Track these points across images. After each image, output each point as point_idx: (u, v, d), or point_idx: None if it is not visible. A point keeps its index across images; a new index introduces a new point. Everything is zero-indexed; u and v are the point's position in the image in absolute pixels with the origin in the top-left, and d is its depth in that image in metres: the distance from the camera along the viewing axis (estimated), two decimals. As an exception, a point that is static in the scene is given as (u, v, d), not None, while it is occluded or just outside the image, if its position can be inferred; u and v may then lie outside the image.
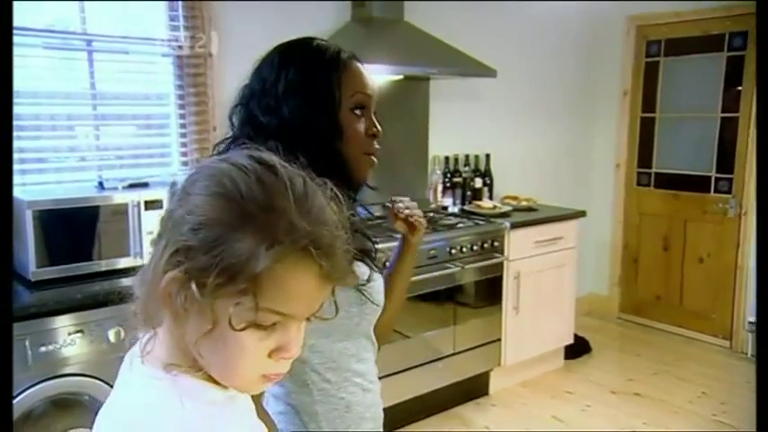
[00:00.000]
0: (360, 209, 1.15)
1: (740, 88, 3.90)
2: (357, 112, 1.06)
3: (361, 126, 1.06)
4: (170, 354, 0.65)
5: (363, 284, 1.04)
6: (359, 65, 1.08)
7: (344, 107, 1.04)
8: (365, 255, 1.06)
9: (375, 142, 1.09)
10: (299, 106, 1.01)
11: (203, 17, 2.70)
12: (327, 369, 1.04)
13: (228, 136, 1.07)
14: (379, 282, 1.10)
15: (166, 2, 2.67)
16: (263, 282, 0.59)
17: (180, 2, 2.67)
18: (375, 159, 1.10)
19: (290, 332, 0.63)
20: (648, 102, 4.32)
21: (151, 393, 0.63)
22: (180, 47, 2.70)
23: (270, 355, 0.63)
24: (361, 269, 1.04)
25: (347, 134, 1.04)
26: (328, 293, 0.65)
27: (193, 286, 0.59)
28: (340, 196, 0.67)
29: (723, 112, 3.99)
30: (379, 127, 1.08)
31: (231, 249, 0.58)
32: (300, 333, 0.65)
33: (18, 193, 2.17)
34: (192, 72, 2.74)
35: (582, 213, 3.68)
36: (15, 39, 2.34)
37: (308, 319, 0.65)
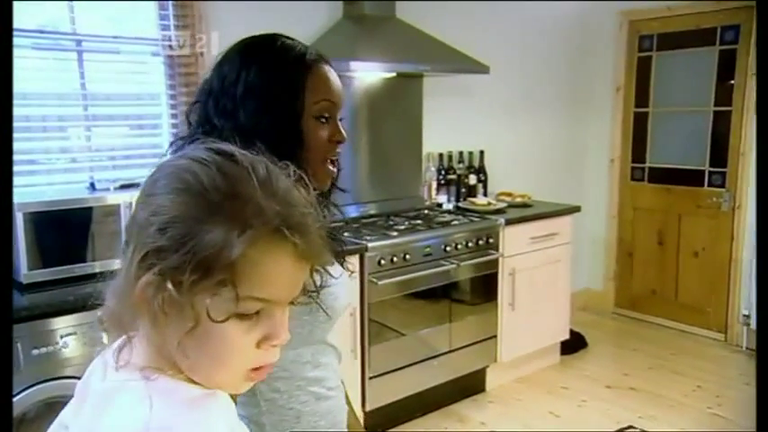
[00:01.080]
0: (334, 211, 1.07)
1: (733, 82, 3.90)
2: (322, 120, 0.99)
3: (324, 133, 0.99)
4: (148, 359, 0.63)
5: (314, 291, 0.97)
6: (326, 67, 1.01)
7: (307, 114, 0.97)
8: (337, 256, 1.02)
9: (338, 149, 1.03)
10: (257, 112, 0.94)
11: (194, 16, 2.69)
12: (277, 378, 0.99)
13: (183, 135, 1.01)
14: (337, 287, 0.99)
15: (157, 1, 2.65)
16: (239, 269, 0.58)
17: (171, 1, 2.66)
18: (334, 169, 1.04)
19: (276, 318, 0.62)
20: (641, 97, 4.33)
21: (122, 397, 0.61)
22: (171, 46, 2.68)
23: (258, 345, 0.62)
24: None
25: (308, 142, 0.97)
26: (306, 274, 0.65)
27: (169, 285, 0.58)
28: (304, 177, 0.66)
29: (716, 105, 4.00)
30: (344, 133, 1.02)
31: (202, 243, 0.57)
32: (285, 318, 0.64)
33: (9, 195, 2.16)
34: (184, 72, 2.72)
35: (576, 209, 3.69)
36: (4, 39, 2.31)
37: (291, 303, 0.65)
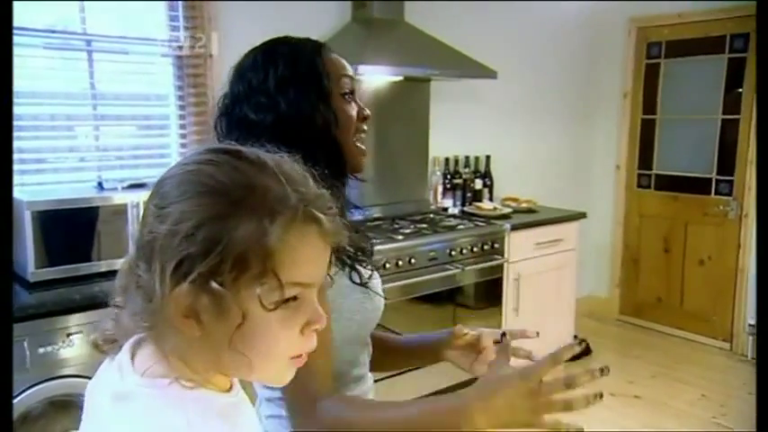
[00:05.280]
0: (354, 210, 1.13)
1: (741, 90, 3.89)
2: (347, 96, 1.06)
3: (353, 110, 1.07)
4: (170, 365, 0.63)
5: (365, 283, 1.02)
6: (334, 53, 1.08)
7: (335, 93, 1.04)
8: (363, 254, 1.05)
9: (364, 126, 1.09)
10: (296, 98, 1.00)
11: (203, 17, 2.70)
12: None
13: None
14: (377, 280, 1.08)
15: (166, 2, 2.67)
16: (278, 256, 0.59)
17: (180, 2, 2.67)
18: (363, 146, 1.10)
19: (314, 301, 0.64)
20: (649, 103, 4.32)
21: (150, 401, 0.61)
22: (180, 47, 2.70)
23: (302, 331, 0.63)
24: (360, 271, 1.03)
25: (341, 120, 1.04)
26: (329, 255, 0.66)
27: (213, 284, 0.58)
28: (306, 167, 0.67)
29: (724, 113, 3.99)
30: (367, 110, 1.09)
31: (236, 238, 0.58)
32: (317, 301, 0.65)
33: (17, 193, 2.17)
34: (192, 72, 2.73)
35: (582, 215, 3.68)
36: (15, 39, 2.33)
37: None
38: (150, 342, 0.64)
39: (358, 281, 1.01)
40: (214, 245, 0.58)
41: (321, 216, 0.62)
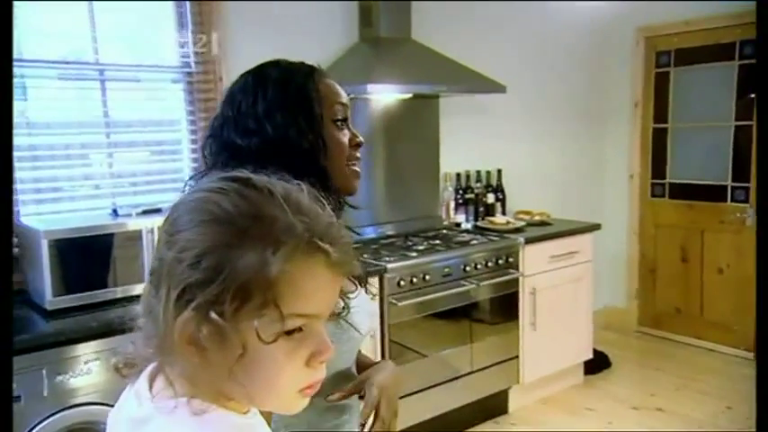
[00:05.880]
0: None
1: (753, 96, 3.87)
2: (338, 123, 1.04)
3: (344, 137, 1.05)
4: (185, 389, 0.63)
5: (339, 313, 0.86)
6: (330, 79, 1.07)
7: (326, 120, 1.02)
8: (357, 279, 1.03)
9: (357, 152, 1.07)
10: (284, 123, 0.99)
11: (212, 44, 2.74)
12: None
13: (201, 170, 1.04)
14: (358, 314, 0.92)
15: (176, 29, 2.71)
16: (280, 288, 0.58)
17: (189, 29, 2.71)
18: (358, 169, 1.08)
19: (321, 333, 0.63)
20: (660, 112, 4.30)
21: (167, 424, 0.62)
22: (190, 73, 2.73)
23: (307, 363, 0.63)
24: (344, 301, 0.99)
25: (332, 147, 1.02)
26: (341, 285, 0.65)
27: (213, 315, 0.58)
28: (317, 195, 0.67)
29: (737, 120, 3.96)
30: (361, 137, 1.07)
31: (238, 268, 0.58)
32: (326, 332, 0.64)
33: (34, 222, 2.20)
34: (203, 97, 2.77)
35: (597, 226, 3.65)
36: (30, 71, 2.38)
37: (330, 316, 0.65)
38: (163, 366, 0.64)
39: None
40: (216, 274, 0.58)
41: (327, 246, 0.61)
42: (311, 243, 0.60)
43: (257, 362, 0.60)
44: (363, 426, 1.06)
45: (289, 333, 0.60)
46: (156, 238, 2.23)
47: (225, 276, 0.58)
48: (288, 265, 0.59)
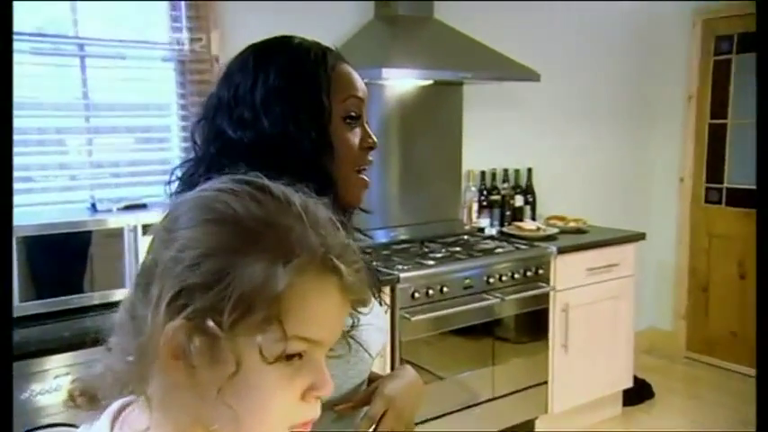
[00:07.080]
0: (357, 234, 1.05)
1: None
2: (349, 121, 1.00)
3: (355, 138, 1.01)
4: (163, 425, 0.62)
5: (349, 330, 0.79)
6: (348, 65, 1.03)
7: (336, 116, 0.98)
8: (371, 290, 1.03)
9: (369, 156, 1.04)
10: (283, 116, 0.95)
11: (209, 17, 2.74)
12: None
13: (189, 158, 1.02)
14: (368, 331, 0.87)
15: (167, 1, 2.72)
16: (285, 304, 0.58)
17: (182, 1, 2.72)
18: (368, 179, 1.04)
19: (321, 364, 0.63)
20: (718, 106, 4.27)
21: None
22: (182, 50, 2.74)
23: (303, 397, 0.62)
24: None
25: (339, 149, 0.98)
26: (347, 313, 0.66)
27: (210, 323, 0.57)
28: (333, 215, 0.67)
29: (806, 117, 3.92)
30: (374, 138, 1.03)
31: (243, 276, 0.57)
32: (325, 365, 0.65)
33: None
34: (197, 79, 2.77)
35: (641, 236, 3.64)
36: None
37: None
38: (132, 392, 0.63)
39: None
40: (218, 279, 0.58)
41: (342, 267, 0.61)
42: (326, 260, 0.61)
43: (249, 385, 0.60)
44: None
45: (288, 358, 0.60)
46: (139, 236, 2.24)
47: (226, 284, 0.57)
48: (298, 280, 0.59)
